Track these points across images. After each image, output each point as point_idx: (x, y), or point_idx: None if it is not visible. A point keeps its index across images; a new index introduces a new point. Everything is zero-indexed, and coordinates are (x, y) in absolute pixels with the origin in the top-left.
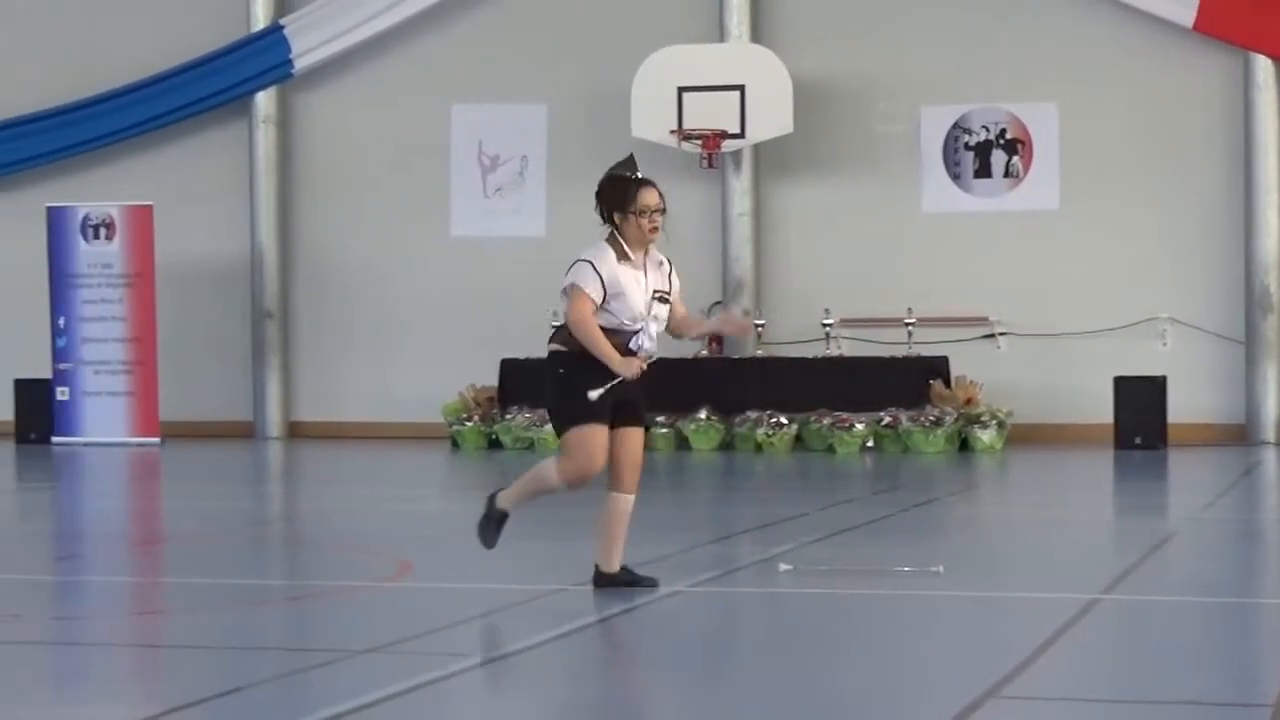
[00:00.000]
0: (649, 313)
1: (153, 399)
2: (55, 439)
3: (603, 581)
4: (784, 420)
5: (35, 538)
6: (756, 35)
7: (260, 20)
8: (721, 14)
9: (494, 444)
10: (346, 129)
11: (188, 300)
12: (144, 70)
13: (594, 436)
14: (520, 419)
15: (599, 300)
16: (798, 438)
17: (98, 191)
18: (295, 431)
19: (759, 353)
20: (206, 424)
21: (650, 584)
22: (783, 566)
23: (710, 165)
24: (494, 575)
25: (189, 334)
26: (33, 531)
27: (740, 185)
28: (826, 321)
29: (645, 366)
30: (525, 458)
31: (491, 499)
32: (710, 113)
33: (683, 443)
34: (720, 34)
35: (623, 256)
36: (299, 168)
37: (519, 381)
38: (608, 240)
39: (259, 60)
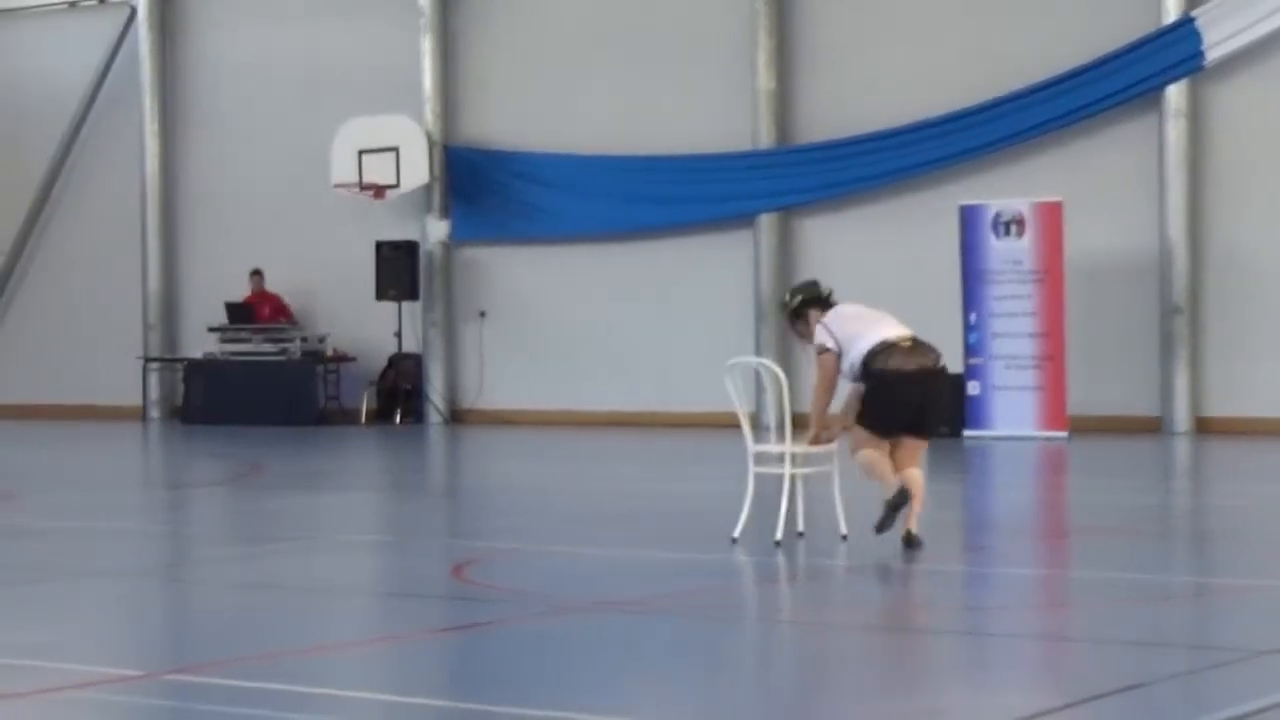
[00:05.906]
0: None
1: (1061, 393)
2: (966, 433)
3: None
4: None
5: (947, 528)
6: None
7: (1171, 13)
8: None
9: None
10: (1258, 121)
11: (1095, 295)
12: (1053, 68)
13: None
14: None
15: None
16: None
17: (1008, 189)
18: (1203, 427)
19: None
20: (1113, 418)
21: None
22: None
23: None
24: None
25: (1096, 329)
26: (946, 522)
27: None
28: None
29: None
30: None
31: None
32: None
33: None
34: None
35: None
36: (1210, 161)
37: None
38: None
39: (1170, 53)
